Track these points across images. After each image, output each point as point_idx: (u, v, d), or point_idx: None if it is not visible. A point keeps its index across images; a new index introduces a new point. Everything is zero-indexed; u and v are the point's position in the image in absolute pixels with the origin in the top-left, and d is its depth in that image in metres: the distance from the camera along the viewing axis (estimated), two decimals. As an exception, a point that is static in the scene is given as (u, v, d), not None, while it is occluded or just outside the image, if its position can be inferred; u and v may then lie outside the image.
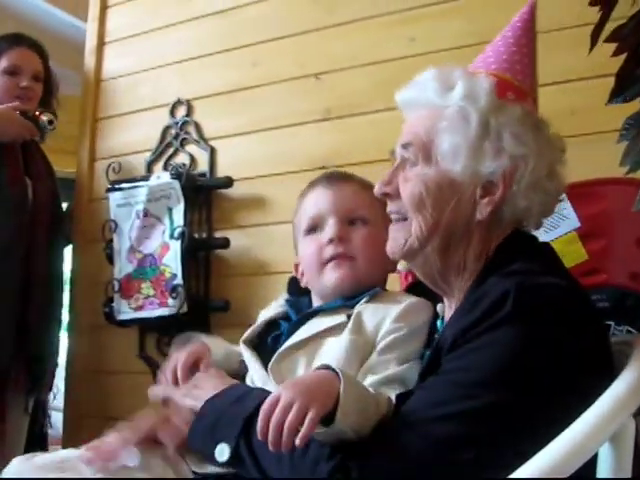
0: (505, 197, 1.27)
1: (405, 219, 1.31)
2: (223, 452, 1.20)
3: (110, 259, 2.83)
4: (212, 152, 2.80)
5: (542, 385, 1.07)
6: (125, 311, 2.75)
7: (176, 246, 2.65)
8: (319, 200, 1.52)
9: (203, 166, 2.82)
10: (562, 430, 1.00)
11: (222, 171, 2.77)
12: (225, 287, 2.71)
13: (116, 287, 2.77)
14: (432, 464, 1.03)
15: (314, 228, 1.51)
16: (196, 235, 2.75)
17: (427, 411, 1.08)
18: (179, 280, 2.63)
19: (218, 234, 2.75)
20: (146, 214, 2.74)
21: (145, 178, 2.80)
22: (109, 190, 2.85)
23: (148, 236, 2.74)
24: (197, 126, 2.85)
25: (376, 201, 1.40)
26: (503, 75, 1.32)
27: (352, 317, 1.39)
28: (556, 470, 0.95)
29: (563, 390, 1.07)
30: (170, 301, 2.62)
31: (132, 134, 3.01)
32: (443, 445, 1.04)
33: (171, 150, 2.90)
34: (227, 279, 2.71)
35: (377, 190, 1.34)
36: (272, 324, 1.51)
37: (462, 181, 1.27)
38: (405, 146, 1.32)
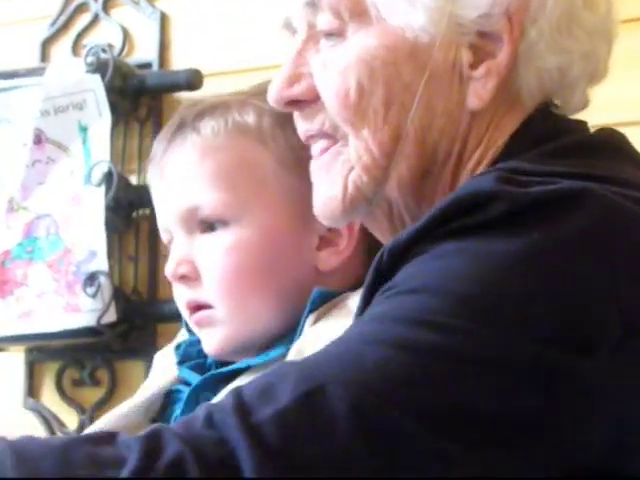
0: (517, 56, 0.95)
1: (336, 141, 1.00)
2: None
3: (-30, 225, 2.16)
4: (163, 23, 2.19)
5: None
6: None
7: (95, 199, 2.03)
8: (155, 200, 1.31)
9: (146, 50, 2.21)
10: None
11: (182, 59, 2.17)
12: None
13: (-18, 277, 2.12)
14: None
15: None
16: (132, 178, 2.14)
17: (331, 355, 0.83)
18: (101, 262, 2.01)
19: (171, 175, 2.05)
20: (39, 139, 2.14)
21: (37, 71, 2.17)
22: (-33, 95, 2.19)
23: (42, 180, 2.13)
24: (134, -27, 2.19)
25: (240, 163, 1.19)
26: None
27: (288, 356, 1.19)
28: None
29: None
30: (84, 301, 1.99)
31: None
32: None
33: (86, 18, 2.25)
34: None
35: (277, 98, 1.01)
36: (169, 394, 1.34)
37: (431, 42, 0.95)
38: (312, 2, 0.99)
